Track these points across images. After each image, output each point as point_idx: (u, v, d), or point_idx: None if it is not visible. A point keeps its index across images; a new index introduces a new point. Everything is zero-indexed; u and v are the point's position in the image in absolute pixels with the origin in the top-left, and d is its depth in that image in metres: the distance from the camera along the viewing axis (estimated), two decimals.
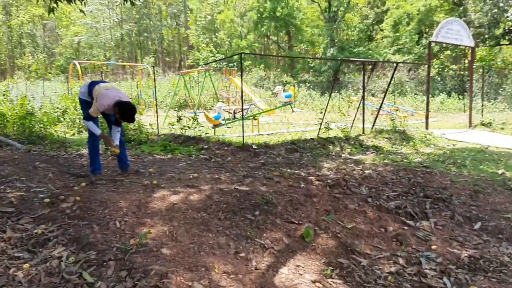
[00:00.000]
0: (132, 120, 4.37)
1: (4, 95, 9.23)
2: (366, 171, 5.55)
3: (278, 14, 31.02)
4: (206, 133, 8.04)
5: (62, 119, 10.01)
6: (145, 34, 46.78)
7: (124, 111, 4.26)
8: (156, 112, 9.07)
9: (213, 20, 40.75)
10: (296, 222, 3.70)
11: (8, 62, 51.12)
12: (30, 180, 4.48)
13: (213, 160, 6.02)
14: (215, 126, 9.58)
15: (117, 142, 4.61)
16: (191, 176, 4.73)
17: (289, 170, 5.42)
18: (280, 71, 34.90)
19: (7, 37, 51.13)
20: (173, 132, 8.52)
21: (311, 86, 27.70)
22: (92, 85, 4.56)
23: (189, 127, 8.09)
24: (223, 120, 9.95)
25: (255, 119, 10.93)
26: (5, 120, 8.19)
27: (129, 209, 3.63)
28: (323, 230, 3.64)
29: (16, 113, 8.32)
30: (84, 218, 3.46)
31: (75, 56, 43.99)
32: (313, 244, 3.39)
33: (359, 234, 3.69)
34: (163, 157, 6.35)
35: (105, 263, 2.81)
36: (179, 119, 8.16)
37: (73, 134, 9.27)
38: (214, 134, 9.46)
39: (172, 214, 3.58)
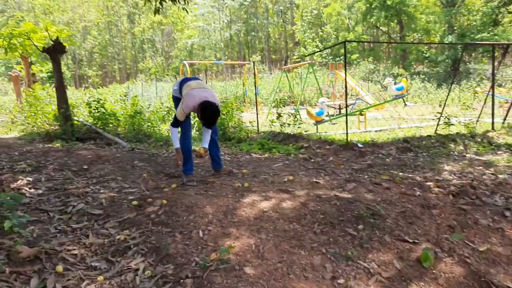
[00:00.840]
0: (212, 123, 4.05)
1: (119, 95, 9.78)
2: (500, 176, 4.53)
3: (389, 2, 29.09)
4: (306, 131, 7.52)
5: (169, 118, 10.32)
6: (253, 33, 47.75)
7: (205, 114, 3.95)
8: (256, 109, 8.82)
9: (319, 14, 39.94)
10: (411, 240, 3.00)
11: (132, 66, 56.25)
12: (124, 180, 4.43)
13: (312, 160, 5.49)
14: (317, 122, 9.01)
15: (205, 144, 4.33)
16: (286, 179, 4.26)
17: (401, 173, 4.65)
18: (391, 63, 32.77)
19: (131, 44, 56.34)
20: (273, 130, 8.16)
21: (426, 78, 25.43)
22: (183, 82, 4.35)
23: (289, 124, 7.65)
24: (326, 116, 9.33)
25: (362, 115, 10.08)
26: (117, 120, 8.61)
27: (215, 216, 3.29)
28: (446, 252, 2.89)
29: (127, 112, 8.73)
30: (168, 224, 3.20)
31: (189, 58, 46.68)
32: (434, 271, 2.67)
33: (496, 260, 2.86)
34: (259, 156, 6.00)
35: (181, 281, 2.47)
36: (279, 116, 7.76)
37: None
38: (317, 131, 8.89)
39: (260, 224, 3.15)
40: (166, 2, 7.64)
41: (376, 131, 8.91)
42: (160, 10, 7.43)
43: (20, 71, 12.48)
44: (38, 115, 8.53)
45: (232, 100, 9.25)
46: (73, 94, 18.80)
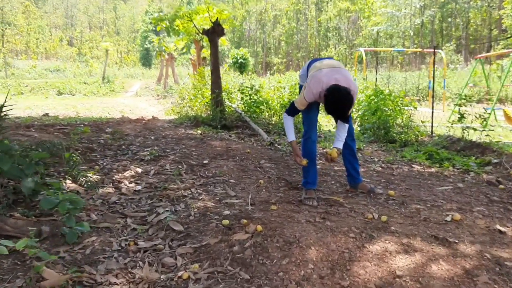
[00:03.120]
0: (339, 114, 2.94)
1: (278, 83, 9.20)
2: None
3: None
4: (497, 141, 5.56)
5: None
6: (449, 19, 42.43)
7: (330, 100, 2.86)
8: (432, 106, 7.07)
9: None
10: None
11: (315, 55, 56.64)
12: (235, 185, 3.64)
13: (501, 186, 3.77)
14: None
15: (339, 144, 3.19)
16: (449, 217, 2.83)
17: None
18: None
19: (316, 32, 56.67)
20: (451, 134, 6.36)
21: None
22: (311, 64, 3.29)
23: (474, 129, 5.78)
24: None
25: None
26: (269, 108, 8.01)
27: (318, 268, 2.19)
28: None
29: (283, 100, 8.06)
30: (249, 267, 2.24)
31: (373, 46, 44.36)
32: None
33: None
34: (423, 170, 4.51)
35: None
36: (461, 116, 5.93)
37: None
38: None
39: None
40: None
41: None
42: None
43: (194, 54, 13.13)
44: (198, 99, 8.54)
45: (401, 92, 7.66)
46: (251, 80, 19.26)
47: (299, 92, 3.38)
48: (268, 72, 49.31)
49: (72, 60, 43.87)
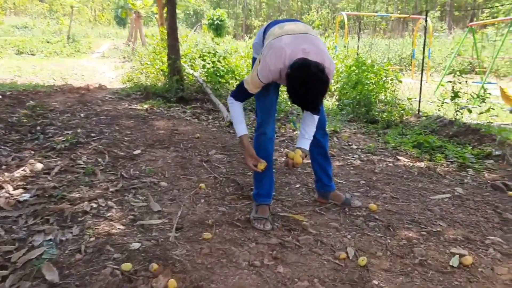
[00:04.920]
0: (308, 102, 1.95)
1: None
2: None
3: None
4: (489, 122, 4.73)
5: None
6: None
7: (296, 81, 1.90)
8: (421, 79, 6.16)
9: None
10: None
11: (296, 18, 54.77)
12: (166, 191, 2.69)
13: (510, 193, 2.94)
14: None
15: (305, 144, 2.24)
16: (456, 261, 1.95)
17: None
18: None
19: None
20: (442, 115, 5.51)
21: None
22: (268, 28, 2.28)
23: (470, 111, 4.93)
24: None
25: None
26: (236, 79, 6.97)
27: None
28: None
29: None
30: None
31: (356, 11, 42.99)
32: None
33: None
34: (411, 164, 3.64)
35: None
36: (455, 95, 5.05)
37: None
38: None
39: None
40: None
41: None
42: None
43: (157, 13, 11.77)
44: (155, 65, 7.42)
45: (386, 64, 6.73)
46: (227, 43, 17.90)
47: (252, 68, 2.40)
48: (248, 35, 47.42)
49: (42, 17, 41.01)
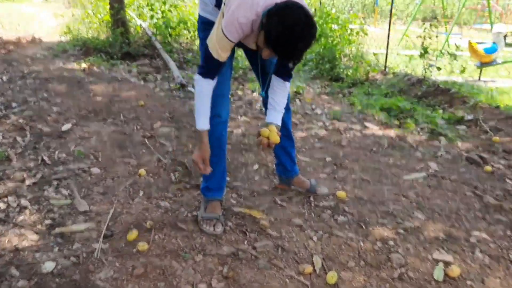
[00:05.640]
0: (289, 54, 1.48)
1: None
2: None
3: None
4: (467, 80, 4.47)
5: None
6: None
7: (276, 27, 1.42)
8: (389, 31, 5.75)
9: None
10: None
11: None
12: (97, 181, 2.24)
13: (487, 168, 2.68)
14: (483, 64, 5.72)
15: (276, 119, 1.81)
16: (440, 273, 1.66)
17: None
18: None
19: None
20: (409, 71, 5.19)
21: None
22: None
23: (439, 69, 4.63)
24: (497, 57, 5.93)
25: None
26: (189, 31, 6.32)
27: None
28: None
29: None
30: None
31: None
32: None
33: None
34: (380, 134, 3.32)
35: None
36: (425, 51, 4.72)
37: None
38: (479, 79, 5.64)
39: None
40: None
41: None
42: None
43: None
44: (99, 14, 6.58)
45: (351, 15, 6.27)
46: None
47: (199, 32, 1.92)
48: None
49: None
